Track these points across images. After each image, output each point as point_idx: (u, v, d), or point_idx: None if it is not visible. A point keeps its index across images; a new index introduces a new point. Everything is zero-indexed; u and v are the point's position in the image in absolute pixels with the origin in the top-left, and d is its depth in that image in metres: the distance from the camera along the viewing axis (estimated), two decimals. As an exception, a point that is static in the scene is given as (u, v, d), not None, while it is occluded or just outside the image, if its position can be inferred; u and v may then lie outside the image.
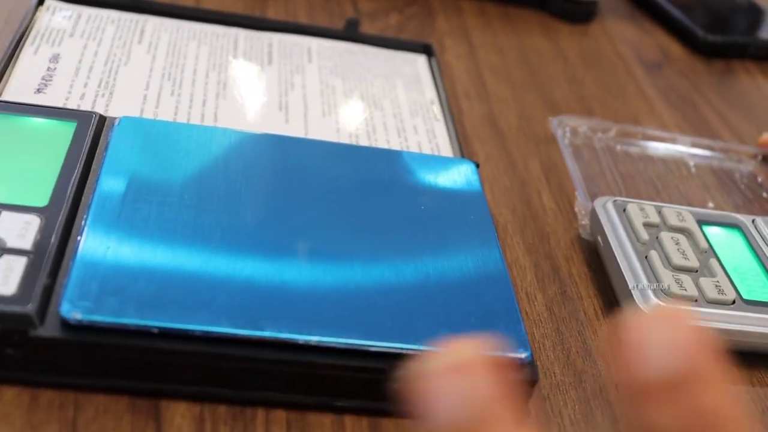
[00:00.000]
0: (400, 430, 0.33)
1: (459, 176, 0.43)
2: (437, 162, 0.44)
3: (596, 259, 0.44)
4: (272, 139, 0.43)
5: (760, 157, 0.57)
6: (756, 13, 0.77)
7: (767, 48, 0.71)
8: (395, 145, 0.47)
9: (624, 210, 0.44)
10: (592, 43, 0.67)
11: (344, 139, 0.47)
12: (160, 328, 0.31)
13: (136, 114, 0.44)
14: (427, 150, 0.47)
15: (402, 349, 0.33)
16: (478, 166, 0.44)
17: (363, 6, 0.63)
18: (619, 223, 0.43)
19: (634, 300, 0.40)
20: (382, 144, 0.47)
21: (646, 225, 0.43)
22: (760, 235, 0.45)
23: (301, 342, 0.32)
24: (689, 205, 0.50)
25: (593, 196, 0.48)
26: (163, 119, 0.44)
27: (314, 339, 0.32)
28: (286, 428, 0.32)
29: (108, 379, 0.32)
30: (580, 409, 0.36)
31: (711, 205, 0.52)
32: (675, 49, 0.69)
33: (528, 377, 0.34)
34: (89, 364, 0.31)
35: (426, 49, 0.57)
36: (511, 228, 0.45)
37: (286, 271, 0.35)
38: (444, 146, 0.48)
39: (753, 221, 0.46)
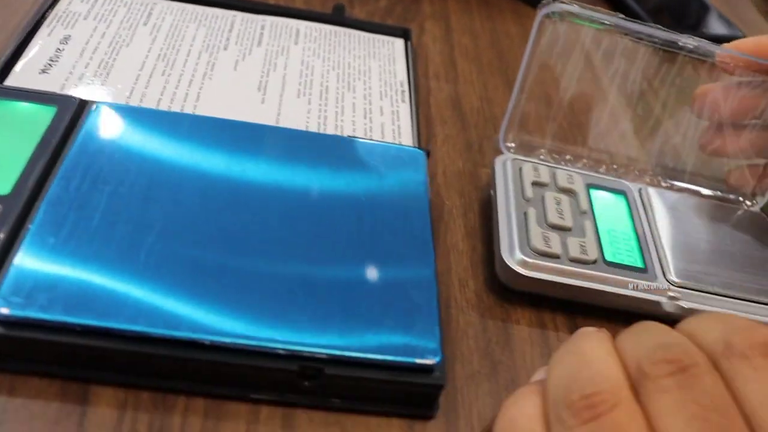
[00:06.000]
0: (312, 421, 0.27)
1: (406, 166, 0.34)
2: (387, 151, 0.35)
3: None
4: (229, 125, 0.34)
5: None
6: (703, 7, 0.64)
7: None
8: (360, 126, 0.39)
9: (520, 169, 0.36)
10: (560, 27, 0.56)
11: (313, 119, 0.39)
12: (81, 326, 0.25)
13: (125, 94, 0.37)
14: (388, 131, 0.39)
15: (311, 351, 0.26)
16: (428, 154, 0.36)
17: (356, -10, 0.53)
18: (511, 180, 0.35)
19: (504, 253, 0.32)
20: (347, 125, 0.39)
21: (535, 184, 0.35)
22: (643, 204, 0.37)
23: (209, 343, 0.25)
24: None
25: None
26: (139, 105, 0.36)
27: (224, 340, 0.25)
28: (203, 416, 0.26)
29: (41, 365, 0.25)
30: (490, 402, 0.29)
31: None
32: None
33: (437, 382, 0.27)
34: (21, 353, 0.25)
35: (404, 33, 0.47)
36: (455, 212, 0.37)
37: (208, 273, 0.27)
38: (405, 128, 0.40)
39: (640, 190, 0.38)
